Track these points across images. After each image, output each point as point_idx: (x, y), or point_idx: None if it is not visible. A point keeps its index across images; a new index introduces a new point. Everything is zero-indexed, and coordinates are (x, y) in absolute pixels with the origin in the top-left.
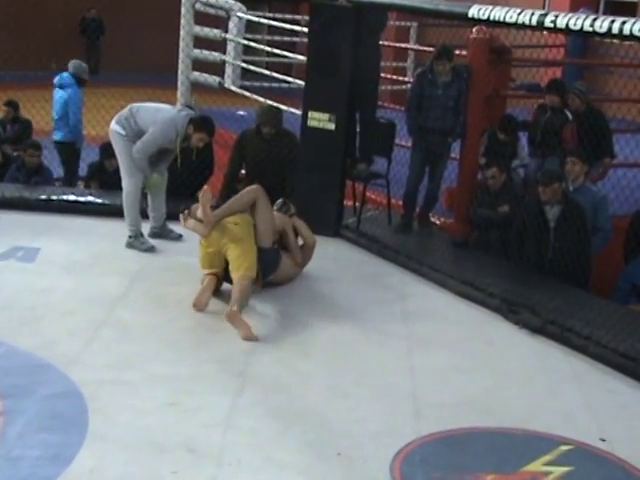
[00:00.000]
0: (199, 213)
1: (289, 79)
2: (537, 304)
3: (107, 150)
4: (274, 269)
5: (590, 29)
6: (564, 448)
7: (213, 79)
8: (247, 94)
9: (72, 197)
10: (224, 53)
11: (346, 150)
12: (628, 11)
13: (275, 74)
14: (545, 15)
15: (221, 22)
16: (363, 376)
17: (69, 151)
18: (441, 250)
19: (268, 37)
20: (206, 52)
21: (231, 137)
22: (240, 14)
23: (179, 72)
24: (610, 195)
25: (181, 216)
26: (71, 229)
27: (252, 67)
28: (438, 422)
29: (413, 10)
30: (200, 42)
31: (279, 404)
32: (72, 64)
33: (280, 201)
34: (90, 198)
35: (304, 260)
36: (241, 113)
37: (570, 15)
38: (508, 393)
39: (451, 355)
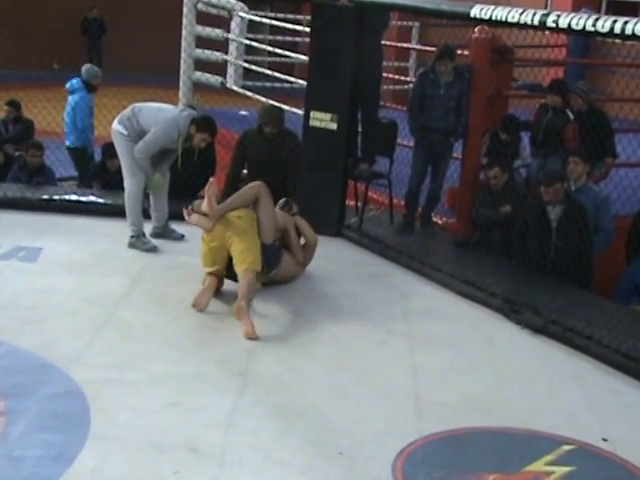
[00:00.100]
0: (204, 206)
1: (291, 79)
2: (539, 304)
3: (109, 150)
4: (276, 265)
5: (592, 29)
6: (566, 448)
7: (215, 79)
8: (249, 94)
9: (74, 197)
10: (226, 53)
11: (348, 150)
12: (630, 11)
13: (277, 74)
14: (547, 15)
15: (223, 22)
16: (365, 376)
17: (80, 156)
18: (443, 250)
19: (270, 37)
20: (208, 52)
21: (233, 137)
22: (242, 14)
23: (181, 72)
24: (612, 195)
25: (185, 211)
26: (73, 229)
27: (254, 67)
28: (440, 422)
29: (415, 10)
30: (202, 42)
31: (281, 404)
32: (84, 69)
33: (283, 200)
34: (92, 198)
35: (306, 259)
36: (243, 113)
37: (572, 15)
38: (510, 393)
39: (453, 355)
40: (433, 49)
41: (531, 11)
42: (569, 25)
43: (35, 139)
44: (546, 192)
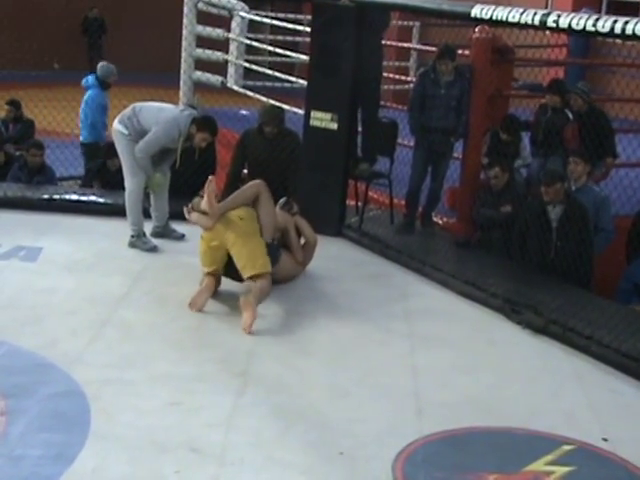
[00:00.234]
0: (203, 204)
1: (292, 79)
2: (539, 304)
3: (109, 149)
4: (274, 264)
5: (592, 29)
6: (566, 448)
7: (216, 79)
8: (250, 94)
9: (74, 197)
10: (227, 53)
11: (348, 150)
12: (631, 11)
13: (277, 74)
14: (547, 15)
15: (224, 22)
16: (365, 375)
17: (91, 151)
18: (443, 250)
19: (271, 37)
20: (209, 52)
21: (234, 137)
22: (243, 14)
23: (181, 71)
24: (612, 195)
25: (185, 209)
26: (73, 229)
27: (254, 67)
28: (440, 422)
29: (416, 10)
30: (203, 42)
31: (281, 403)
32: (99, 66)
33: (283, 200)
34: (92, 198)
35: (305, 259)
36: (243, 113)
37: (572, 15)
38: (510, 393)
39: (453, 355)
40: (434, 49)
41: (532, 11)
42: (569, 25)
43: (35, 138)
44: (546, 192)
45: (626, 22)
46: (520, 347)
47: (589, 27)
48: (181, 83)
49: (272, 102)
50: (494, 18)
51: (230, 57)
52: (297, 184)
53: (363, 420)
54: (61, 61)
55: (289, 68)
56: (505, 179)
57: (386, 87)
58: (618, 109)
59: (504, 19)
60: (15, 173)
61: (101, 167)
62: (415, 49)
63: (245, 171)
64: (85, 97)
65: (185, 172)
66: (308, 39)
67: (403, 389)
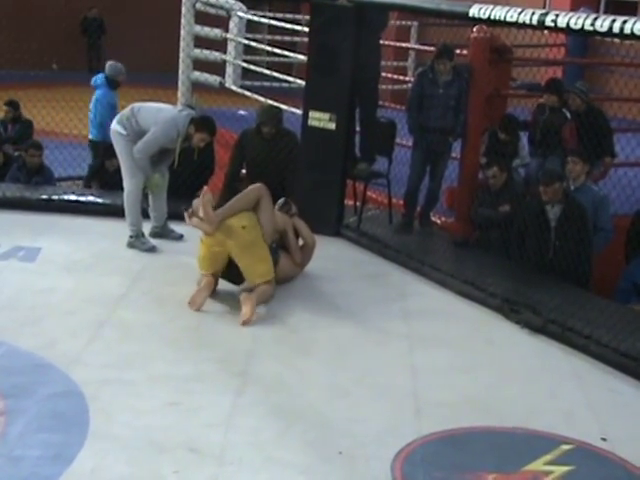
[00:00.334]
0: (201, 213)
1: (290, 79)
2: (538, 303)
3: (108, 150)
4: (274, 266)
5: (591, 28)
6: (565, 447)
7: (214, 79)
8: (248, 94)
9: (73, 197)
10: (225, 53)
11: (347, 149)
12: (629, 10)
13: (276, 74)
14: (546, 14)
15: (222, 22)
16: (364, 375)
17: (99, 149)
18: (442, 249)
19: (269, 37)
20: (207, 52)
21: (232, 137)
22: (241, 14)
23: (180, 72)
24: (611, 194)
25: (185, 213)
26: (72, 229)
27: (253, 67)
28: (439, 421)
29: (414, 9)
30: (201, 42)
31: (280, 403)
32: (107, 65)
33: (282, 200)
34: (91, 198)
35: (304, 260)
36: (242, 113)
37: (571, 14)
38: (509, 392)
39: (452, 354)
40: (432, 48)
41: (530, 10)
42: (568, 24)
43: (34, 139)
44: (545, 192)
45: (624, 21)
46: (519, 347)
47: (587, 26)
48: (179, 83)
49: (270, 102)
50: (492, 18)
51: (228, 57)
52: (295, 184)
53: (362, 420)
54: (60, 61)
55: (287, 68)
56: (503, 179)
57: (384, 87)
58: (616, 108)
59: (502, 19)
60: (14, 173)
61: (99, 167)
62: (413, 49)
63: (243, 171)
64: (95, 96)
65: (184, 172)
66: (306, 39)
67: (402, 389)
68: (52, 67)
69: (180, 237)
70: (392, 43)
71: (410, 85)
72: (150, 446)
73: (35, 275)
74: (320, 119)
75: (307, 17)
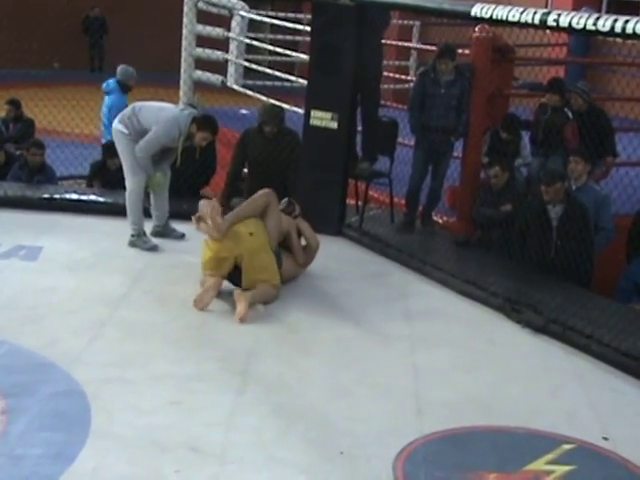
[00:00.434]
0: (209, 222)
1: (292, 78)
2: (539, 303)
3: (109, 149)
4: (278, 268)
5: (593, 28)
6: (566, 447)
7: (216, 78)
8: (250, 93)
9: (75, 196)
10: (227, 52)
11: (349, 149)
12: (631, 10)
13: (278, 73)
14: (548, 14)
15: (224, 21)
16: (365, 375)
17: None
18: (444, 249)
19: (271, 36)
20: (209, 51)
21: (234, 136)
22: (243, 13)
23: (182, 71)
24: (612, 194)
25: (193, 218)
26: (73, 228)
27: (255, 66)
28: (441, 421)
29: (416, 9)
30: (203, 41)
31: (281, 403)
32: (118, 69)
33: (285, 201)
34: (93, 197)
35: (306, 261)
36: (244, 112)
37: (573, 14)
38: (510, 392)
39: (453, 354)
40: (434, 48)
41: (532, 10)
42: (570, 24)
43: (36, 138)
44: (546, 191)
45: (626, 21)
46: (520, 346)
47: (589, 26)
48: (181, 82)
49: (272, 101)
50: (494, 17)
51: (230, 56)
52: (297, 183)
53: (363, 419)
54: (61, 60)
55: (289, 67)
56: (505, 178)
57: (386, 86)
58: (618, 108)
59: (504, 18)
60: (15, 172)
61: (101, 166)
62: (415, 48)
63: (245, 170)
64: (107, 102)
65: (185, 171)
66: (308, 38)
67: (403, 388)
68: (53, 66)
69: (182, 236)
70: (394, 42)
71: (412, 84)
72: (151, 445)
73: (37, 274)
74: (322, 118)
75: (309, 16)
